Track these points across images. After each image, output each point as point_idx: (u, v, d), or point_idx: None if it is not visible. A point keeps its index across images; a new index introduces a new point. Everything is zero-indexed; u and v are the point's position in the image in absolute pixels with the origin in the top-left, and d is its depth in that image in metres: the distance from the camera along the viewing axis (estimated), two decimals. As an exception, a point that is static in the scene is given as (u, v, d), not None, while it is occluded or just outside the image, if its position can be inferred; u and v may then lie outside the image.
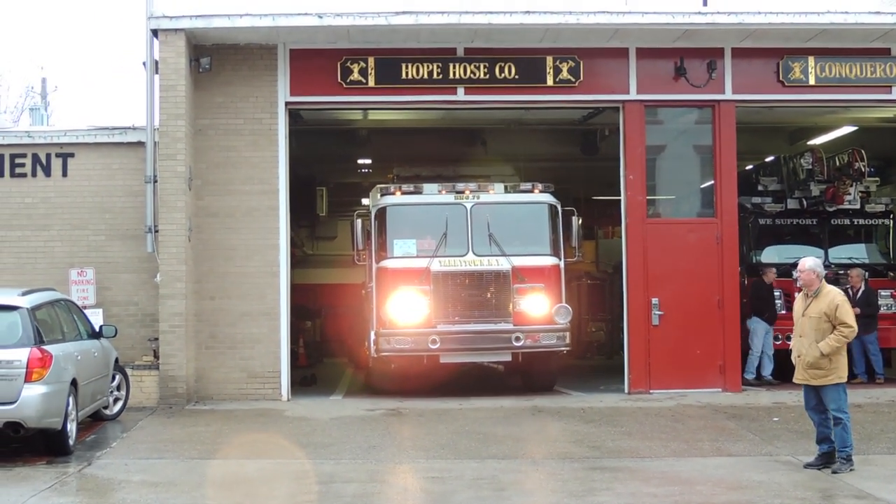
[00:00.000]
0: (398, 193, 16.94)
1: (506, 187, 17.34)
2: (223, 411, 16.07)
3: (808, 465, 11.53)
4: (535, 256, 16.87)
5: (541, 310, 16.46)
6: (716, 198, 17.92)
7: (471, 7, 16.84)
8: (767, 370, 18.61)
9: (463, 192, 16.84)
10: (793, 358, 11.50)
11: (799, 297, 11.71)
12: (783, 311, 18.48)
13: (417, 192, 16.97)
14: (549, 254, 17.01)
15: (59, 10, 63.07)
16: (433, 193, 16.96)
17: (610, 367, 19.93)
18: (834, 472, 11.11)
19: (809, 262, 11.51)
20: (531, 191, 17.21)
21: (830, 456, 11.34)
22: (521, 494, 10.72)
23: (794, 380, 11.62)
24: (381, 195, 17.18)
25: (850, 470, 11.07)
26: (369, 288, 17.35)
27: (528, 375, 17.93)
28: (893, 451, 12.62)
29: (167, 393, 16.32)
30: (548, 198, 17.19)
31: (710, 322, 17.52)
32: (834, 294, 11.39)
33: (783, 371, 18.62)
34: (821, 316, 11.12)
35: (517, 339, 16.23)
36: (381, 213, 17.02)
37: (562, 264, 17.01)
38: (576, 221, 17.48)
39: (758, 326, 18.51)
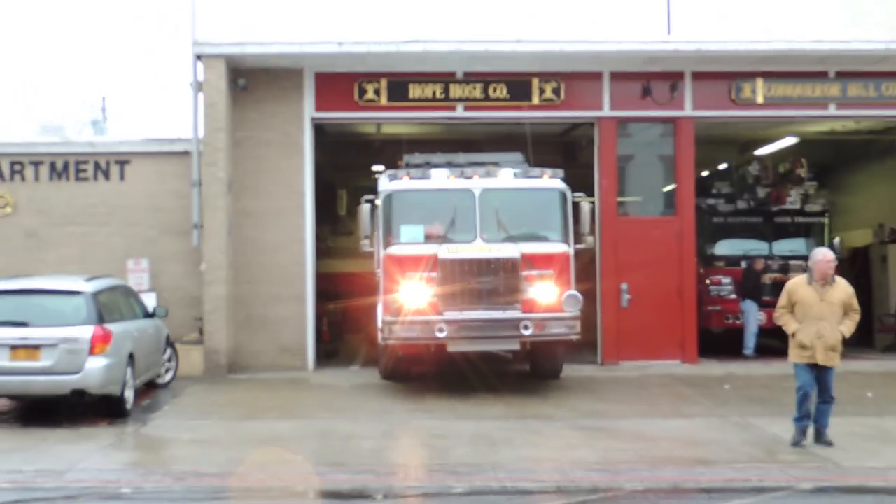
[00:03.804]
0: (406, 179, 14.61)
1: (515, 173, 14.77)
2: (258, 380, 16.13)
3: (797, 444, 10.67)
4: (545, 243, 14.37)
5: (550, 298, 13.90)
6: (676, 199, 18.01)
7: (469, 37, 16.93)
8: (750, 346, 18.60)
9: (471, 178, 14.45)
10: (809, 339, 10.39)
11: (802, 285, 10.60)
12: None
13: (425, 177, 14.60)
14: (559, 241, 14.48)
15: (118, 37, 63.07)
16: (441, 179, 14.55)
17: (585, 343, 19.91)
18: (829, 445, 10.57)
19: (830, 254, 10.65)
20: (541, 177, 14.78)
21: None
22: (510, 449, 10.79)
23: (821, 362, 10.42)
24: (389, 181, 14.85)
25: None
26: (377, 275, 14.97)
27: (535, 363, 15.67)
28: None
29: (210, 364, 16.40)
30: (558, 184, 14.75)
31: (670, 305, 17.55)
32: (845, 283, 10.78)
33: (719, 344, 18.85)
34: (841, 303, 10.45)
35: (525, 327, 13.70)
36: (389, 198, 14.58)
37: (572, 251, 14.54)
38: (586, 208, 14.94)
39: (750, 308, 18.46)
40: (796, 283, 10.73)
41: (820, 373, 10.56)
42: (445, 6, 16.99)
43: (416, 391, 14.61)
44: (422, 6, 16.87)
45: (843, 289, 10.57)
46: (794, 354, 10.67)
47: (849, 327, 10.52)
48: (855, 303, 10.64)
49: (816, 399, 10.65)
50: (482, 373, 15.39)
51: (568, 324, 13.85)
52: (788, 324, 10.65)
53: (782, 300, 10.79)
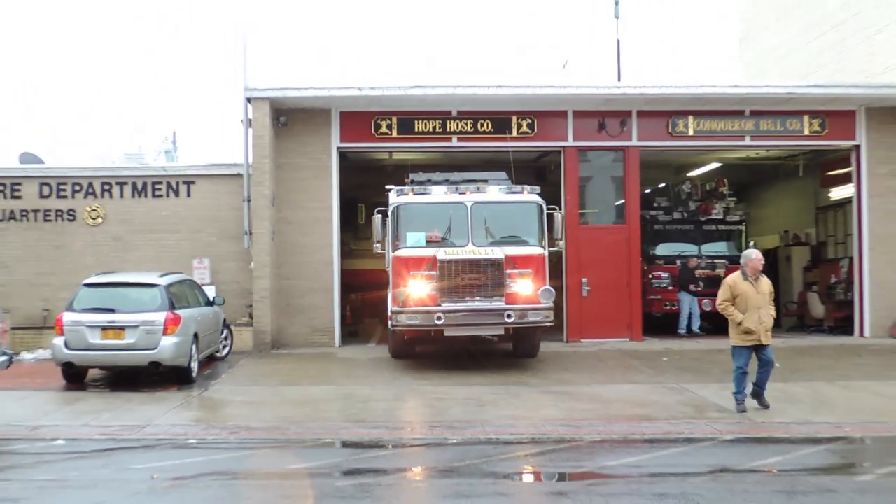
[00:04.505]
0: (410, 194, 14.17)
1: (500, 189, 14.32)
2: (296, 354, 16.15)
3: (743, 411, 10.31)
4: (525, 247, 13.80)
5: (528, 291, 13.43)
6: (625, 211, 18.01)
7: (461, 83, 17.01)
8: (696, 326, 18.48)
9: (464, 193, 14.00)
10: (754, 325, 10.11)
11: (740, 281, 10.29)
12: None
13: (426, 193, 14.17)
14: (536, 245, 13.93)
15: (189, 82, 63.02)
16: (439, 194, 14.10)
17: (554, 325, 19.93)
18: (766, 406, 10.33)
19: (760, 254, 10.42)
20: (521, 192, 14.28)
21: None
22: (494, 408, 10.84)
23: (763, 342, 10.19)
24: (397, 195, 14.37)
25: None
26: (388, 272, 14.41)
27: (516, 344, 15.00)
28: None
29: (258, 342, 16.42)
30: (535, 198, 14.23)
31: (621, 295, 17.56)
32: (766, 277, 10.47)
33: (660, 325, 18.84)
34: (769, 293, 10.29)
35: (508, 315, 13.23)
36: (396, 210, 14.07)
37: (546, 253, 14.02)
38: (558, 217, 14.54)
39: (685, 297, 18.49)
40: (735, 280, 10.36)
41: (760, 352, 10.29)
42: (443, 60, 17.08)
43: (419, 365, 14.58)
44: (424, 60, 16.96)
45: (767, 282, 10.44)
46: (739, 340, 10.27)
47: (773, 310, 10.38)
48: (773, 291, 10.54)
49: (758, 369, 10.36)
50: (473, 352, 15.35)
51: (543, 313, 13.46)
52: (735, 315, 10.20)
53: (725, 294, 10.34)
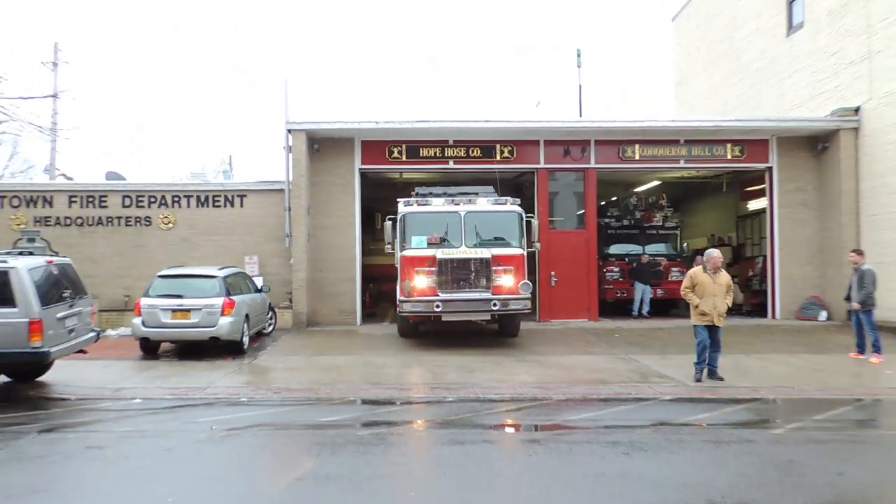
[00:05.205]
0: (415, 205, 13.85)
1: (488, 200, 13.97)
2: (326, 331, 16.06)
3: (699, 381, 9.95)
4: (508, 248, 13.44)
5: (511, 284, 13.13)
6: (585, 219, 17.89)
7: (456, 118, 16.93)
8: (646, 310, 18.31)
9: (459, 204, 13.73)
10: (709, 309, 9.83)
11: (700, 273, 9.98)
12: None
13: (428, 203, 13.86)
14: (517, 246, 13.53)
15: (240, 115, 62.74)
16: (438, 205, 13.81)
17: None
18: (721, 379, 9.91)
19: (718, 252, 10.05)
20: (505, 203, 13.93)
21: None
22: (482, 373, 10.78)
23: (716, 323, 9.88)
24: (404, 206, 14.01)
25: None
26: (397, 267, 14.07)
27: (501, 327, 14.62)
28: (679, 352, 12.62)
29: (296, 321, 16.31)
30: (516, 208, 13.88)
31: (581, 285, 17.46)
32: (726, 272, 10.11)
33: (612, 309, 18.74)
34: (726, 284, 9.92)
35: (494, 304, 12.98)
36: (403, 218, 13.77)
37: (525, 253, 13.65)
38: (535, 223, 14.37)
39: (638, 286, 18.42)
40: (696, 272, 10.06)
41: (712, 332, 10.01)
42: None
43: (422, 341, 14.52)
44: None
45: (725, 275, 10.11)
46: (697, 319, 10.01)
47: (731, 300, 10.10)
48: (732, 284, 10.16)
49: (709, 351, 10.04)
50: (465, 332, 15.30)
51: (523, 302, 13.15)
52: (693, 299, 9.95)
53: (686, 283, 10.08)
